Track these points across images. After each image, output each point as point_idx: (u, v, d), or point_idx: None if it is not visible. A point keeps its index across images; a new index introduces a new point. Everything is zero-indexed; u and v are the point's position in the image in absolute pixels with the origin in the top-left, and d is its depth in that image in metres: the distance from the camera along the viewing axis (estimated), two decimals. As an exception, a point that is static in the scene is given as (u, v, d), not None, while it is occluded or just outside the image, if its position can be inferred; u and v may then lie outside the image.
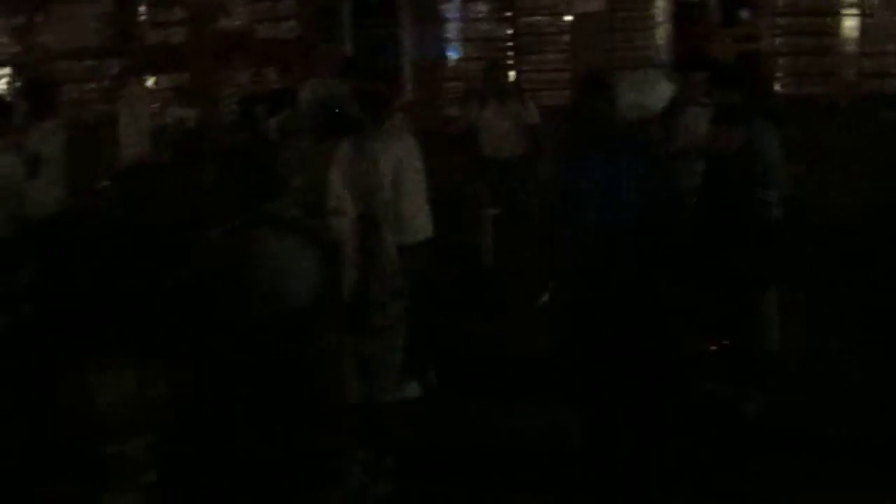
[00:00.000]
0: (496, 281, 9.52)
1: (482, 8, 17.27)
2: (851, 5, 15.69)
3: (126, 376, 2.36)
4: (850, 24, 15.73)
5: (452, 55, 17.40)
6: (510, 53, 16.99)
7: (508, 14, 17.10)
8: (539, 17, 16.97)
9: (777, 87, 15.61)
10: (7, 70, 16.89)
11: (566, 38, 16.62)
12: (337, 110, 5.67)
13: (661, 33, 17.23)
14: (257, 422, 6.55)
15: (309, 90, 5.90)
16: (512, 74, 15.43)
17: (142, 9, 17.47)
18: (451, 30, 17.40)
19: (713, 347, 6.99)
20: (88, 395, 2.35)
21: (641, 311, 5.38)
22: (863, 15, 15.60)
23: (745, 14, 17.36)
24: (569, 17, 16.19)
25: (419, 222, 7.01)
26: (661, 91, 5.46)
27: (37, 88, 9.09)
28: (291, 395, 6.87)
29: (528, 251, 9.54)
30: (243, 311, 6.18)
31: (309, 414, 6.46)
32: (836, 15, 16.00)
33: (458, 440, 6.53)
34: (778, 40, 16.82)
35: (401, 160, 6.63)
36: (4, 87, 16.75)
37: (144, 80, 12.64)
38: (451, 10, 17.37)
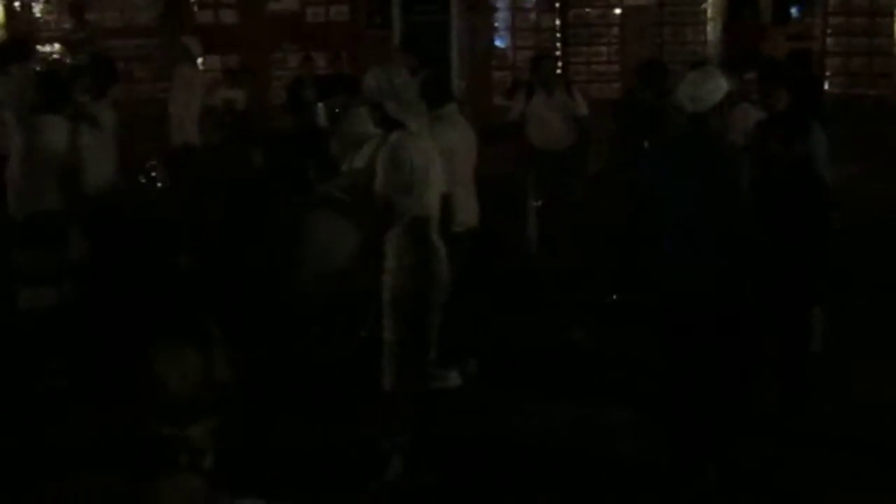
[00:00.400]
0: (540, 272, 9.51)
1: (532, -2, 17.27)
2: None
3: (191, 358, 2.38)
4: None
5: (501, 45, 17.40)
6: (559, 44, 16.98)
7: (557, 4, 17.08)
8: (588, 9, 16.95)
9: (828, 87, 15.51)
10: (59, 47, 17.09)
11: (615, 30, 16.59)
12: (388, 106, 5.66)
13: (712, 29, 17.16)
14: (304, 408, 6.67)
15: (371, 76, 5.87)
16: (560, 66, 15.37)
17: (193, -11, 17.62)
18: (500, 19, 17.40)
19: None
20: (153, 378, 2.36)
21: (726, 301, 5.55)
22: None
23: (796, 12, 17.24)
24: (618, 10, 16.15)
25: (467, 211, 7.03)
26: (719, 86, 5.50)
27: (96, 66, 9.20)
28: (337, 382, 6.98)
29: (575, 243, 9.58)
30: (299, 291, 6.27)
31: (353, 400, 6.55)
32: (889, 16, 15.87)
33: (494, 431, 6.53)
34: (830, 40, 16.71)
35: (453, 149, 6.64)
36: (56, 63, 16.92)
37: (195, 61, 12.65)
38: (501, 0, 17.36)
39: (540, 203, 10.02)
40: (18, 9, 17.77)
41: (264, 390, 6.41)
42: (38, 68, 12.36)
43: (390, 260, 5.73)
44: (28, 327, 7.15)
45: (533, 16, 17.28)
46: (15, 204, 7.61)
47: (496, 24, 17.42)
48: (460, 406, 6.64)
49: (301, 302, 7.39)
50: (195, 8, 17.64)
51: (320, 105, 9.77)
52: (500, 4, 17.39)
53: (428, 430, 5.91)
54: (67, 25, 16.26)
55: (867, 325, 7.95)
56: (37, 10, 17.78)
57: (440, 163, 5.90)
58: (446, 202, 5.93)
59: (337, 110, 8.35)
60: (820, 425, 6.43)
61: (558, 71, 11.16)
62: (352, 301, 7.39)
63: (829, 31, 16.78)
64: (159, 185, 9.28)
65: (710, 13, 17.15)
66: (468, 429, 6.42)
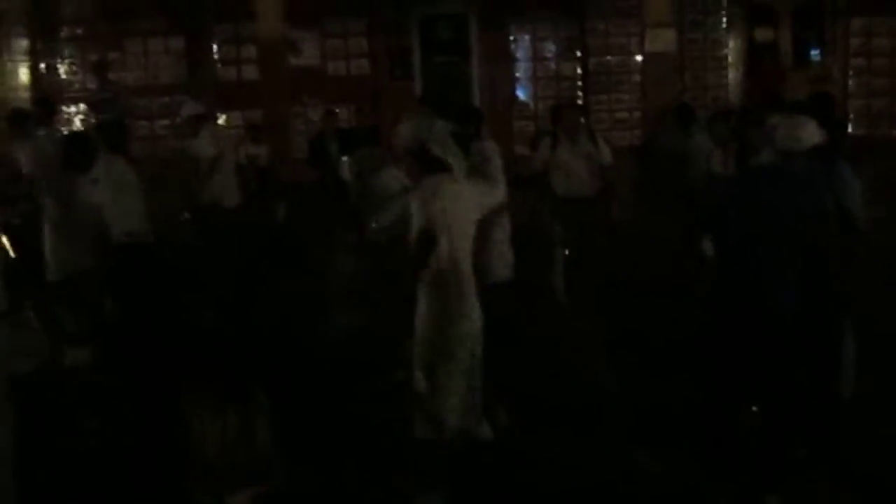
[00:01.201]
0: (568, 321, 9.45)
1: (552, 47, 17.33)
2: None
3: (231, 421, 2.28)
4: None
5: (522, 94, 17.46)
6: (580, 93, 17.03)
7: (579, 53, 17.15)
8: (609, 57, 17.01)
9: (851, 129, 15.46)
10: (83, 107, 17.27)
11: (636, 77, 16.62)
12: (433, 149, 5.66)
13: (733, 74, 17.19)
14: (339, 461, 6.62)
15: (406, 126, 5.88)
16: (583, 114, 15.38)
17: (214, 46, 17.76)
18: (522, 68, 17.46)
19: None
20: (191, 442, 2.27)
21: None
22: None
23: (817, 55, 17.25)
24: (639, 57, 16.18)
25: (500, 263, 7.01)
26: (815, 131, 5.85)
27: (109, 127, 9.38)
28: (372, 430, 6.94)
29: (602, 291, 9.53)
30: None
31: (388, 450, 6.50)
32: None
33: (524, 483, 6.46)
34: (851, 81, 16.71)
35: (483, 201, 6.64)
36: (81, 122, 17.11)
37: (217, 118, 12.74)
38: (522, 49, 17.44)
39: (567, 252, 9.98)
40: (44, 70, 17.97)
41: (303, 453, 6.35)
42: (63, 130, 12.50)
43: (421, 306, 5.71)
44: (64, 385, 7.15)
45: (554, 65, 17.36)
46: (52, 265, 7.68)
47: (517, 74, 17.50)
48: (491, 457, 6.57)
49: (332, 349, 7.39)
50: (218, 65, 17.80)
51: (344, 159, 9.76)
52: (520, 54, 17.47)
53: (460, 482, 5.85)
54: (92, 85, 16.40)
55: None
56: (62, 70, 17.98)
57: (477, 214, 5.89)
58: (479, 252, 5.91)
59: (359, 165, 8.32)
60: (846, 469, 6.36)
61: (582, 120, 11.11)
62: (383, 347, 7.37)
63: (850, 72, 16.80)
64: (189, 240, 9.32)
65: (730, 58, 17.21)
66: (498, 481, 6.35)
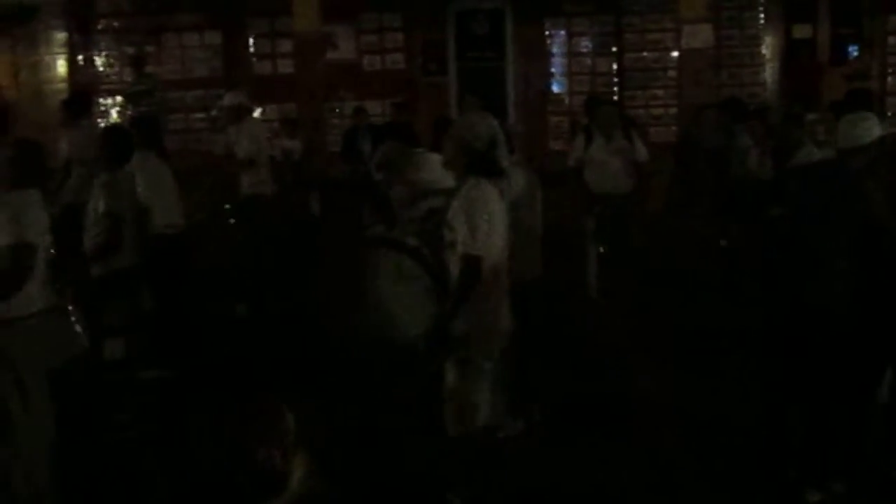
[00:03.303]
0: (603, 319, 9.42)
1: (588, 42, 17.27)
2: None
3: (280, 424, 2.26)
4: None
5: (557, 89, 17.42)
6: (615, 88, 16.97)
7: (614, 49, 17.08)
8: (646, 53, 16.93)
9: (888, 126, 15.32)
10: (120, 99, 17.38)
11: (672, 73, 16.52)
12: (494, 140, 5.60)
13: (769, 71, 17.07)
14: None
15: (460, 124, 5.83)
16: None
17: (250, 40, 17.83)
18: (556, 64, 17.42)
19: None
20: (239, 449, 2.24)
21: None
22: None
23: (854, 52, 17.10)
24: (675, 53, 16.09)
25: (531, 260, 6.99)
26: (873, 126, 5.83)
27: (142, 123, 9.47)
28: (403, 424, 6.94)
29: (637, 289, 9.50)
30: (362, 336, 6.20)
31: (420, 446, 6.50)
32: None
33: (557, 482, 6.44)
34: (890, 79, 16.57)
35: (519, 197, 6.62)
36: (117, 115, 17.23)
37: (253, 111, 12.78)
38: (557, 44, 17.39)
39: (601, 249, 9.95)
40: (81, 62, 18.10)
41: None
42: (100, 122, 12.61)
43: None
44: (98, 378, 7.19)
45: (589, 60, 17.30)
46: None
47: (552, 70, 17.45)
48: (524, 455, 6.56)
49: (364, 347, 7.36)
50: (254, 59, 17.87)
51: (377, 154, 9.75)
52: (555, 49, 17.42)
53: (492, 480, 5.85)
54: (129, 78, 16.50)
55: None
56: (98, 63, 18.10)
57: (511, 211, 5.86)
58: (512, 251, 5.87)
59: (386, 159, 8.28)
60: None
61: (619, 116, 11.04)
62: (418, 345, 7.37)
63: (888, 70, 16.65)
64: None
65: (767, 55, 17.08)
66: (531, 479, 6.33)
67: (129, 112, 15.69)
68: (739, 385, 7.31)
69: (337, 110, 16.78)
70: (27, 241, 5.63)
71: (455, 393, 5.70)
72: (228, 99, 10.94)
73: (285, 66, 17.24)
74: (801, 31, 17.23)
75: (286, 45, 17.04)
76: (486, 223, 5.44)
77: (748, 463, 6.33)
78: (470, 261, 5.44)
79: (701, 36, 15.20)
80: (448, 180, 6.04)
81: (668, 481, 6.36)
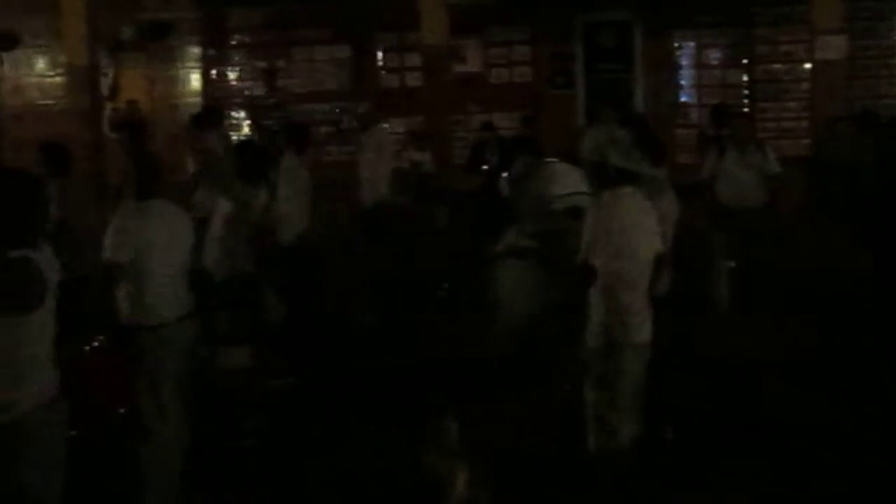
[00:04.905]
0: (732, 334, 9.22)
1: (717, 54, 17.04)
2: None
3: (444, 431, 2.25)
4: None
5: (687, 101, 17.21)
6: (745, 101, 16.69)
7: (745, 61, 16.81)
8: (777, 65, 16.63)
9: None
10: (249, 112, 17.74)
11: (805, 86, 16.18)
12: (615, 160, 5.57)
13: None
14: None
15: (589, 137, 5.83)
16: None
17: (379, 54, 18.02)
18: (686, 76, 17.22)
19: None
20: (405, 456, 2.24)
21: None
22: None
23: None
24: (808, 65, 15.76)
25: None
26: None
27: (293, 128, 9.60)
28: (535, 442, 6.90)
29: (767, 305, 9.29)
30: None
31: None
32: None
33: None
34: None
35: (663, 215, 6.54)
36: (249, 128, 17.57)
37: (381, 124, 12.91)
38: (686, 56, 17.20)
39: (732, 264, 9.76)
40: (214, 77, 18.52)
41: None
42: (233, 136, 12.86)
43: (592, 316, 5.65)
44: (224, 387, 7.29)
45: (719, 72, 17.06)
46: (215, 267, 7.84)
47: (681, 82, 17.26)
48: (656, 473, 6.46)
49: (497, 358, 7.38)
50: (381, 73, 18.06)
51: (504, 175, 9.74)
52: (685, 61, 17.23)
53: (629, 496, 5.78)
54: (259, 92, 16.82)
55: None
56: (231, 77, 18.50)
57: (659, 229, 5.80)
58: (659, 263, 5.80)
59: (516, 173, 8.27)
60: None
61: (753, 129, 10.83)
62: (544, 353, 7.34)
63: None
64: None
65: (902, 64, 16.64)
66: (662, 495, 6.23)
67: (262, 124, 16.00)
68: (879, 404, 7.10)
69: (471, 116, 16.82)
70: (117, 261, 5.54)
71: (597, 407, 5.65)
72: (362, 107, 11.06)
73: (413, 79, 17.39)
74: (940, 41, 16.75)
75: (414, 59, 17.18)
76: (616, 235, 5.42)
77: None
78: (583, 268, 5.41)
79: (835, 47, 14.87)
80: (582, 192, 6.02)
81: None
